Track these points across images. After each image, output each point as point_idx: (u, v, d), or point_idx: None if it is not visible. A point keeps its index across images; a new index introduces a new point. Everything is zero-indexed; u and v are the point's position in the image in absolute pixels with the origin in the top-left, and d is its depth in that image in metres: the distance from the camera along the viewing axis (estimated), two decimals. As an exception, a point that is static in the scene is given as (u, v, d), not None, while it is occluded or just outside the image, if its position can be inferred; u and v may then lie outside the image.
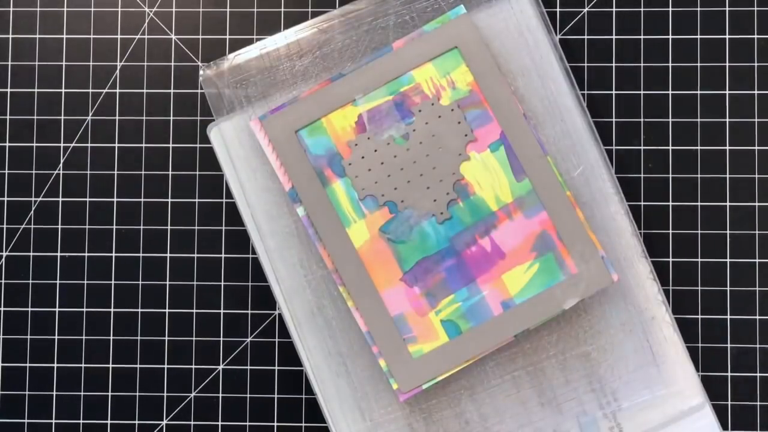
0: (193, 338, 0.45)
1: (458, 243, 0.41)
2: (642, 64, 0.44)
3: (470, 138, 0.41)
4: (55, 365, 0.45)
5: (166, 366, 0.45)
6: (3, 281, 0.45)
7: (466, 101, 0.41)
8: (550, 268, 0.40)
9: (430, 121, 0.41)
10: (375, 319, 0.40)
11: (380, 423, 0.41)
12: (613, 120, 0.44)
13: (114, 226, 0.45)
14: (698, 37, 0.44)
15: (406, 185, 0.41)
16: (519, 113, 0.41)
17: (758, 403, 0.43)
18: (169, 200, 0.45)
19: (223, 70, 0.42)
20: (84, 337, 0.45)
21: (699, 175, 0.44)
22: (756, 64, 0.44)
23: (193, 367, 0.44)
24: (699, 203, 0.44)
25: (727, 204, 0.44)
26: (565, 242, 0.40)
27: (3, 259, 0.45)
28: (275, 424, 0.44)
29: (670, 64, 0.44)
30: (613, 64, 0.45)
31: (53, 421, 0.45)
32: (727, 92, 0.44)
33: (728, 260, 0.44)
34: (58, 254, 0.45)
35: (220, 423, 0.44)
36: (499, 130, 0.41)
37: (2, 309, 0.45)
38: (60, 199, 0.45)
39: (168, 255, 0.45)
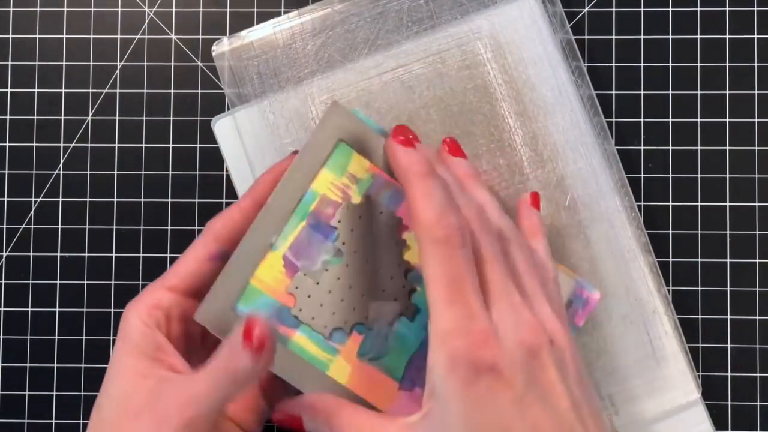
0: (193, 338, 0.44)
1: None
2: (642, 64, 0.44)
3: (397, 222, 0.38)
4: (55, 365, 0.45)
5: (166, 366, 0.44)
6: (3, 281, 0.45)
7: (374, 188, 0.37)
8: None
9: (354, 227, 0.37)
10: None
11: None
12: (614, 120, 0.44)
13: (114, 226, 0.45)
14: (698, 37, 0.44)
15: (362, 299, 0.37)
16: None
17: (758, 403, 0.43)
18: (169, 200, 0.45)
19: (235, 47, 0.43)
20: (84, 337, 0.45)
21: (699, 175, 0.44)
22: (756, 64, 0.44)
23: (193, 367, 0.44)
24: (699, 203, 0.44)
25: (727, 204, 0.44)
26: None
27: (3, 259, 0.45)
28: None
29: (670, 64, 0.44)
30: (613, 64, 0.45)
31: (53, 421, 0.45)
32: (727, 92, 0.44)
33: (728, 260, 0.44)
34: (58, 254, 0.45)
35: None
36: None
37: (2, 309, 0.45)
38: (60, 199, 0.45)
39: (168, 255, 0.45)
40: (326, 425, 0.34)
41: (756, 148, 0.44)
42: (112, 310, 0.45)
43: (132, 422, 0.33)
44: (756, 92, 0.44)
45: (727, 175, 0.44)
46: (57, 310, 0.45)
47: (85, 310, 0.45)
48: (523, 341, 0.32)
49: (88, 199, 0.45)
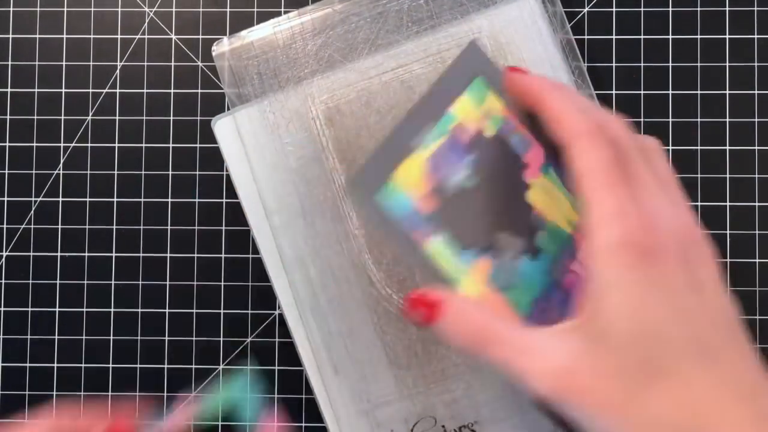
0: (193, 338, 0.44)
1: (556, 274, 0.38)
2: (642, 64, 0.44)
3: (523, 166, 0.38)
4: (55, 365, 0.45)
5: (166, 366, 0.44)
6: (3, 281, 0.45)
7: (506, 129, 0.38)
8: None
9: (485, 158, 0.38)
10: None
11: (378, 405, 0.41)
12: (613, 120, 0.44)
13: (114, 226, 0.45)
14: (698, 37, 0.44)
15: (490, 227, 0.38)
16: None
17: (758, 403, 0.43)
18: (169, 200, 0.45)
19: (235, 47, 0.43)
20: (84, 337, 0.45)
21: (699, 175, 0.44)
22: (756, 64, 0.44)
23: (193, 367, 0.44)
24: (699, 203, 0.44)
25: (727, 204, 0.44)
26: None
27: (3, 259, 0.45)
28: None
29: (670, 64, 0.44)
30: (613, 64, 0.45)
31: (53, 421, 0.45)
32: (727, 92, 0.44)
33: (728, 260, 0.44)
34: (58, 254, 0.45)
35: (220, 423, 0.44)
36: (542, 151, 0.38)
37: (2, 309, 0.45)
38: (60, 199, 0.45)
39: (168, 255, 0.45)
40: (468, 328, 0.32)
41: (756, 148, 0.44)
42: (112, 310, 0.45)
43: None
44: (756, 92, 0.44)
45: (727, 175, 0.44)
46: (57, 310, 0.45)
47: (85, 310, 0.45)
48: (681, 232, 0.30)
49: (88, 199, 0.45)
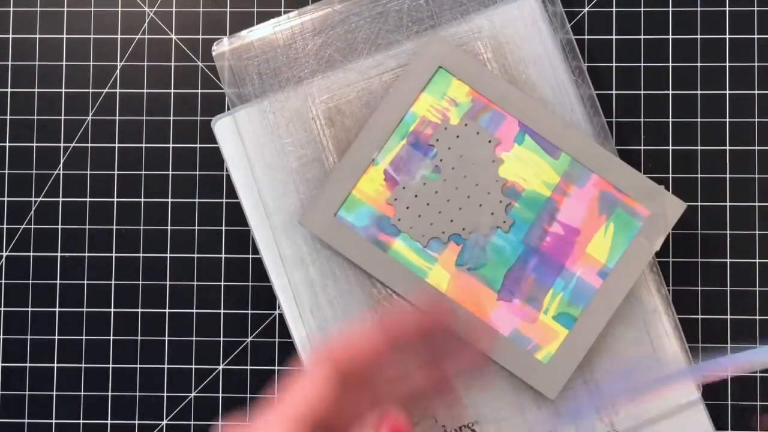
0: (193, 338, 0.45)
1: (532, 241, 0.41)
2: (642, 64, 0.44)
3: (495, 142, 0.41)
4: (55, 365, 0.45)
5: (166, 366, 0.45)
6: (3, 281, 0.45)
7: (473, 111, 0.41)
8: (624, 222, 0.41)
9: (451, 145, 0.41)
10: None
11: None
12: (614, 120, 0.44)
13: (114, 226, 0.45)
14: (698, 37, 0.44)
15: (459, 212, 0.41)
16: (525, 98, 0.41)
17: (758, 403, 0.43)
18: (169, 200, 0.45)
19: (235, 47, 0.43)
20: (84, 337, 0.45)
21: (699, 175, 0.44)
22: (756, 64, 0.44)
23: (193, 367, 0.44)
24: (699, 203, 0.44)
25: (727, 204, 0.44)
26: (625, 191, 0.41)
27: (3, 259, 0.45)
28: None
29: (670, 64, 0.44)
30: (613, 64, 0.45)
31: (53, 421, 0.45)
32: (727, 92, 0.44)
33: (728, 260, 0.44)
34: (58, 254, 0.45)
35: (220, 423, 0.44)
36: (516, 122, 0.41)
37: (2, 309, 0.45)
38: (60, 199, 0.45)
39: (168, 255, 0.45)
40: None
41: (756, 148, 0.44)
42: (112, 310, 0.45)
43: None
44: (756, 92, 0.44)
45: (727, 175, 0.44)
46: (57, 310, 0.45)
47: (85, 310, 0.45)
48: None
49: (88, 199, 0.45)
